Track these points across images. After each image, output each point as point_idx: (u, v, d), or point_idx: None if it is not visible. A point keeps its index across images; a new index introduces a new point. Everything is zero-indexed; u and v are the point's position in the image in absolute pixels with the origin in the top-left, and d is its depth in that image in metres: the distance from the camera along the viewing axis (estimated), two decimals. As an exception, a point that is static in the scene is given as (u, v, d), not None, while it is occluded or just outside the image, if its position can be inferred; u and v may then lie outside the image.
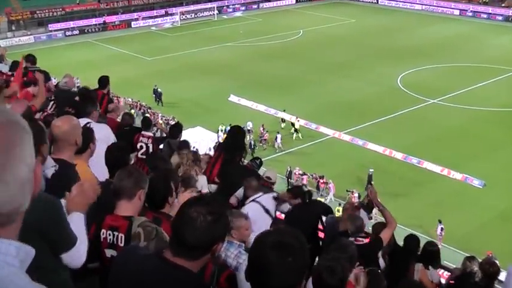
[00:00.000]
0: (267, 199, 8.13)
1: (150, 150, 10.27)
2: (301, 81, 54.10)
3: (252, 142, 40.97)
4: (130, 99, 48.55)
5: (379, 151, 40.76)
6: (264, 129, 42.85)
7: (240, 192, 8.57)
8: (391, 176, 36.63)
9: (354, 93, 50.95)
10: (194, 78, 55.19)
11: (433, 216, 31.48)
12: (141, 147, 10.35)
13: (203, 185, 8.29)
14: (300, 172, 37.16)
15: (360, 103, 48.70)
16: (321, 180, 36.02)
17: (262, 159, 10.22)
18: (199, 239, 2.65)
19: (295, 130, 43.80)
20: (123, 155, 5.29)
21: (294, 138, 43.45)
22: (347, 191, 34.00)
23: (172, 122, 38.89)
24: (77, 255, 3.63)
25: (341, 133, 43.88)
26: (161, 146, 10.60)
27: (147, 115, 40.76)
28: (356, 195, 33.04)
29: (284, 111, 45.46)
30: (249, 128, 42.83)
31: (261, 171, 9.49)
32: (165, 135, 12.62)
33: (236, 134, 9.48)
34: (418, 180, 36.53)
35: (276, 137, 42.09)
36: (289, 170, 37.00)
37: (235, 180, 8.69)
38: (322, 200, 34.18)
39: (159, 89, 50.39)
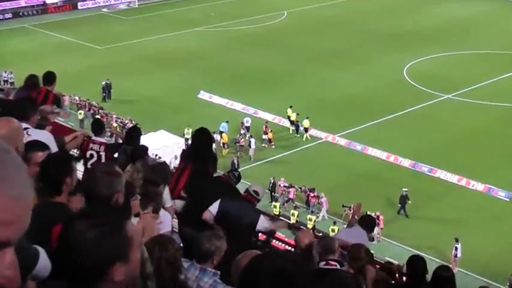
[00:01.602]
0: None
1: (103, 159, 10.21)
2: (285, 74, 54.26)
3: (253, 141, 41.57)
4: (77, 98, 48.30)
5: (382, 157, 41.00)
6: (267, 127, 43.87)
7: (215, 206, 8.60)
8: (396, 187, 36.79)
9: (350, 88, 51.24)
10: (156, 72, 55.10)
11: (448, 235, 31.69)
12: (91, 156, 10.27)
13: (165, 198, 8.29)
14: (286, 184, 37.20)
15: (358, 100, 49.01)
16: (312, 194, 36.09)
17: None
18: (86, 258, 2.63)
19: (305, 129, 44.54)
20: (60, 171, 5.17)
21: (304, 138, 44.27)
22: (343, 206, 34.13)
23: (129, 125, 38.68)
24: (44, 263, 3.87)
25: (335, 136, 44.03)
26: (116, 155, 10.54)
27: (98, 117, 40.63)
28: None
29: (291, 107, 45.76)
30: (247, 125, 44.21)
31: (241, 184, 9.57)
32: (120, 141, 12.55)
33: (205, 139, 9.48)
34: (430, 192, 36.79)
35: (250, 142, 42.26)
36: (272, 181, 37.04)
37: (208, 196, 8.70)
38: (314, 218, 34.35)
39: (108, 82, 50.67)
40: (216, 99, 49.72)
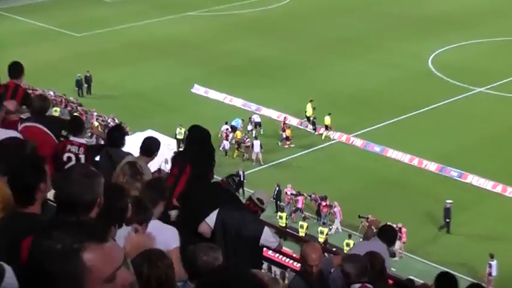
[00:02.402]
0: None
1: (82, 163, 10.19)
2: (291, 64, 54.26)
3: (257, 144, 41.82)
4: (52, 93, 48.27)
5: (405, 161, 40.96)
6: (285, 123, 44.29)
7: (212, 217, 8.58)
8: (421, 195, 36.76)
9: (366, 81, 51.21)
10: (143, 63, 55.13)
11: (481, 251, 31.60)
12: (69, 159, 10.24)
13: None
14: (293, 192, 37.19)
15: (376, 94, 48.99)
16: (323, 203, 36.07)
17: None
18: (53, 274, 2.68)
19: (326, 127, 44.80)
20: (33, 176, 5.16)
21: (323, 137, 44.57)
22: (360, 217, 33.79)
23: (112, 124, 38.68)
24: (10, 283, 3.91)
25: (350, 136, 44.00)
26: (97, 158, 10.56)
27: (77, 114, 40.57)
28: (373, 222, 33.15)
29: (311, 101, 45.85)
30: (257, 121, 44.67)
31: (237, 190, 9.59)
32: (102, 142, 12.56)
33: (203, 138, 9.47)
34: (460, 200, 36.69)
35: (253, 144, 42.31)
36: (277, 189, 37.02)
37: (204, 205, 8.69)
38: (326, 230, 34.27)
39: (87, 74, 50.77)
40: (213, 94, 49.68)
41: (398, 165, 40.49)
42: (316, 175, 39.58)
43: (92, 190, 4.58)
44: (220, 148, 41.60)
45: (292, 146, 43.67)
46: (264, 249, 9.38)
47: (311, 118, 45.65)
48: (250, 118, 45.46)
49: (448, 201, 35.04)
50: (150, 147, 9.81)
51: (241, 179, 34.33)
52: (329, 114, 44.50)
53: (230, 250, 8.24)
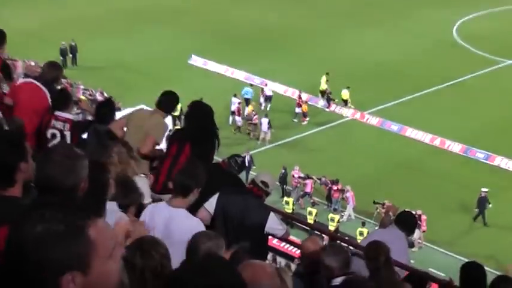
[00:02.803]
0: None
1: (68, 140, 10.21)
2: (300, 33, 54.18)
3: (265, 122, 41.79)
4: (32, 63, 48.15)
5: (425, 141, 40.99)
6: (300, 98, 44.38)
7: (212, 202, 8.57)
8: (443, 179, 36.77)
9: (383, 51, 51.16)
10: (135, 30, 55.07)
11: (510, 241, 31.86)
12: (54, 135, 10.26)
13: (144, 191, 8.26)
14: (301, 174, 37.24)
15: (394, 67, 48.95)
16: (335, 187, 36.13)
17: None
18: (32, 266, 2.64)
19: (344, 102, 45.06)
20: (12, 155, 5.12)
21: (343, 112, 44.70)
22: (375, 203, 34.05)
23: (100, 98, 38.64)
24: None
25: (365, 113, 44.00)
26: (85, 136, 10.58)
27: (62, 86, 40.39)
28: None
29: (327, 74, 45.98)
30: (268, 94, 44.98)
31: (242, 173, 9.59)
32: (90, 118, 12.55)
33: (206, 115, 9.47)
34: (487, 185, 36.64)
35: (261, 122, 42.36)
36: (284, 171, 37.09)
37: (205, 188, 8.65)
38: (337, 217, 34.33)
39: (72, 43, 50.73)
40: (212, 66, 49.66)
41: (418, 146, 40.50)
42: (326, 156, 39.58)
43: (74, 173, 4.55)
44: (230, 123, 41.82)
45: (305, 122, 43.95)
46: (269, 237, 9.39)
47: (326, 92, 45.67)
48: (262, 90, 45.65)
49: (484, 189, 34.81)
50: (169, 104, 10.19)
51: (248, 163, 34.36)
52: (347, 87, 44.50)
53: (232, 239, 8.20)
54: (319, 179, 36.94)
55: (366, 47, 51.77)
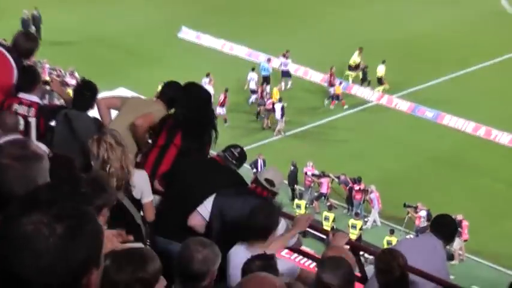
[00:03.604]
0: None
1: (32, 128, 10.34)
2: (312, 1, 54.27)
3: (279, 107, 41.68)
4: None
5: (467, 130, 41.12)
6: (332, 75, 44.55)
7: (207, 206, 8.62)
8: (489, 177, 36.79)
9: (416, 23, 51.31)
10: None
11: None
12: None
13: (143, 188, 8.36)
14: (316, 172, 37.36)
15: (429, 41, 49.09)
16: (356, 187, 36.21)
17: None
18: (47, 269, 2.67)
19: (379, 81, 45.37)
20: None
21: (378, 90, 45.29)
22: (405, 206, 34.15)
23: (70, 80, 38.70)
24: None
25: (393, 97, 44.03)
26: (53, 123, 10.63)
27: (28, 63, 40.22)
28: (423, 213, 33.41)
29: (360, 49, 46.10)
30: (285, 69, 44.98)
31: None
32: (59, 103, 12.58)
33: (202, 98, 9.56)
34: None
35: (274, 108, 42.36)
36: (293, 168, 37.08)
37: (196, 189, 8.72)
38: (360, 223, 34.36)
39: (36, 13, 50.69)
40: (207, 40, 49.69)
41: (457, 137, 40.57)
42: (346, 149, 39.70)
43: (26, 180, 4.41)
44: (251, 101, 42.39)
45: (345, 107, 44.26)
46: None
47: (360, 67, 45.72)
48: (280, 64, 45.80)
49: None
50: (172, 95, 10.08)
51: (261, 168, 34.28)
52: (383, 62, 44.56)
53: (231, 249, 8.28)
54: (338, 177, 36.98)
55: (394, 18, 51.86)
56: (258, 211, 7.91)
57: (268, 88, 43.66)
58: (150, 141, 9.92)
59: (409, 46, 48.23)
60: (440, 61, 46.37)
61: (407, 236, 30.42)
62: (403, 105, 43.41)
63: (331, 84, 44.52)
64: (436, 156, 38.60)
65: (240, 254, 7.40)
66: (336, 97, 44.42)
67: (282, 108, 41.69)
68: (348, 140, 40.59)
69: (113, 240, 5.73)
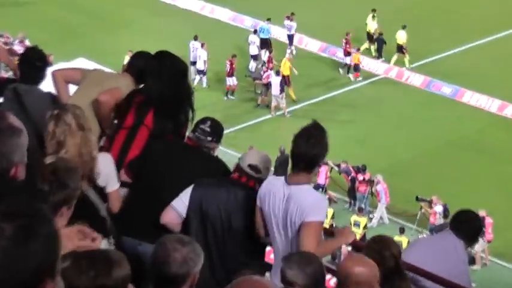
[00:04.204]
0: None
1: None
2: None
3: (275, 81, 41.70)
4: None
5: (491, 110, 41.31)
6: (348, 42, 44.99)
7: (183, 199, 8.53)
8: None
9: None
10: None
11: None
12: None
13: (108, 175, 8.33)
14: (313, 159, 37.26)
15: (447, 5, 49.00)
16: (360, 177, 36.34)
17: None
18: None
19: (399, 48, 45.55)
20: None
21: (407, 63, 45.52)
22: (418, 199, 34.24)
23: (19, 48, 38.81)
24: None
25: (404, 70, 44.09)
26: (0, 99, 10.60)
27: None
28: (439, 208, 33.50)
29: (374, 11, 46.56)
30: (289, 34, 45.54)
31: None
32: (7, 75, 12.62)
33: (178, 70, 9.42)
34: None
35: (269, 83, 42.39)
36: (280, 154, 36.74)
37: (170, 180, 8.73)
38: (364, 220, 34.44)
39: None
40: (183, 1, 49.71)
41: (480, 117, 40.70)
42: (348, 132, 39.69)
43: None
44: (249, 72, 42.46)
45: (359, 79, 44.82)
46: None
47: (374, 35, 45.92)
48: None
49: None
50: (142, 67, 9.90)
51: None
52: (403, 27, 44.66)
53: (213, 250, 8.24)
54: (338, 166, 37.00)
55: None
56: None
57: (267, 54, 43.91)
58: (115, 122, 9.79)
59: (423, 9, 48.36)
60: (459, 26, 46.56)
61: (420, 236, 30.53)
62: (416, 80, 43.52)
63: (348, 53, 44.61)
64: (454, 140, 38.67)
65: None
66: (354, 68, 44.79)
67: (281, 83, 41.75)
68: (351, 121, 40.69)
69: (74, 239, 5.69)
